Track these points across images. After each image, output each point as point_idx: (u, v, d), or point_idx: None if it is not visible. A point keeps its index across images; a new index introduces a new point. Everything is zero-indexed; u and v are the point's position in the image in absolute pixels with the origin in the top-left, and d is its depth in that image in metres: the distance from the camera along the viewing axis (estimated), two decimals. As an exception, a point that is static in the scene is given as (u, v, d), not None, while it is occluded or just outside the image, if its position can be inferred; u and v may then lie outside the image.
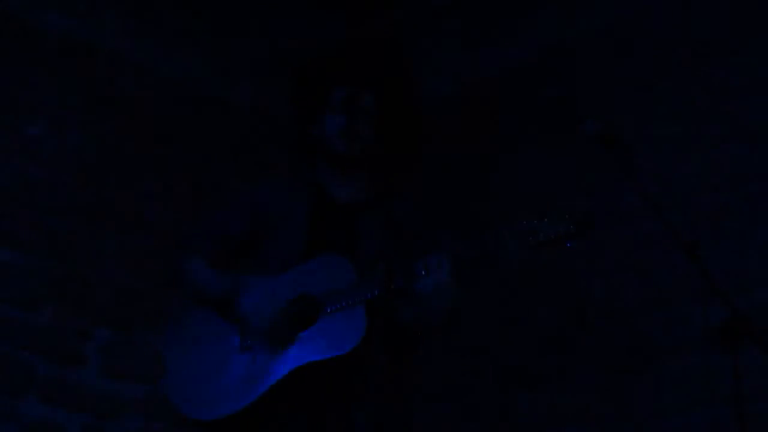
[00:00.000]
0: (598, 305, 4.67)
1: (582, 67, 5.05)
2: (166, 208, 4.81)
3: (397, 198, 3.07)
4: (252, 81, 5.42)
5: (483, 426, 4.90)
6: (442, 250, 2.74)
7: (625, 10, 4.98)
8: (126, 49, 4.98)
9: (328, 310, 2.75)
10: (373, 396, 2.79)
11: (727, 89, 4.51)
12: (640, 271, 4.55)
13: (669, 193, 4.37)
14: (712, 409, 4.04)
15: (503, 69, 5.37)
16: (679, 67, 4.69)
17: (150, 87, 5.03)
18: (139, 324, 4.60)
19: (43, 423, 4.26)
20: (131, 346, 4.57)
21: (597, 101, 4.88)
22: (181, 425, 2.79)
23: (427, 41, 5.70)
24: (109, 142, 4.79)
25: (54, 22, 4.74)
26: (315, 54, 3.14)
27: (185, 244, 3.03)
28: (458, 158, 5.41)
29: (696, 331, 4.20)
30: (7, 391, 4.21)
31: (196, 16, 5.31)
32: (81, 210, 4.61)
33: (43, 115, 4.61)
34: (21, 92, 4.57)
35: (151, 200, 4.83)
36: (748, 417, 2.72)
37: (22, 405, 4.23)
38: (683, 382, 4.27)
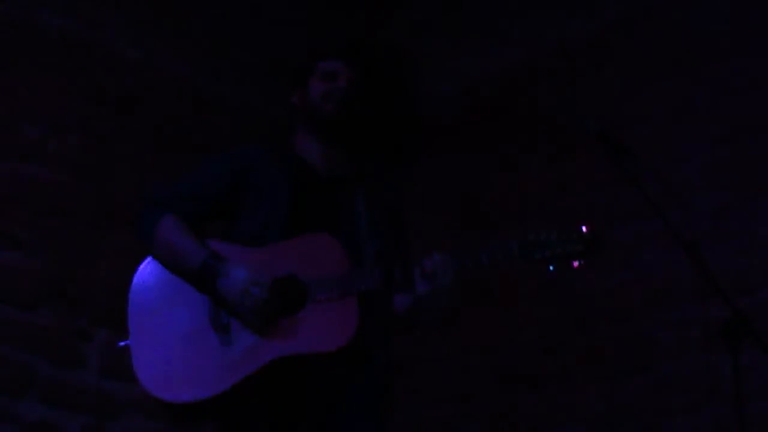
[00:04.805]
0: (599, 305, 4.67)
1: (582, 67, 5.05)
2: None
3: (390, 183, 3.03)
4: (252, 81, 5.42)
5: (483, 426, 4.90)
6: (447, 255, 2.67)
7: (625, 10, 4.98)
8: (126, 49, 4.98)
9: (318, 298, 2.64)
10: (371, 394, 2.72)
11: (727, 89, 4.51)
12: (640, 271, 4.55)
13: (669, 193, 4.37)
14: (712, 409, 4.05)
15: (503, 69, 5.37)
16: (679, 67, 4.69)
17: (150, 87, 5.02)
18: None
19: (43, 423, 4.26)
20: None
21: (597, 101, 4.88)
22: (182, 425, 2.76)
23: (427, 42, 5.71)
24: (109, 142, 4.79)
25: (54, 22, 4.74)
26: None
27: (160, 200, 2.87)
28: (458, 157, 5.41)
29: (696, 331, 4.20)
30: (7, 391, 4.20)
31: (196, 16, 5.31)
32: (81, 210, 4.61)
33: (43, 115, 4.61)
34: (21, 92, 4.57)
35: (151, 200, 4.83)
36: (748, 417, 2.72)
37: (22, 405, 4.22)
38: (684, 382, 4.27)
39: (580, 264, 2.66)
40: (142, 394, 2.64)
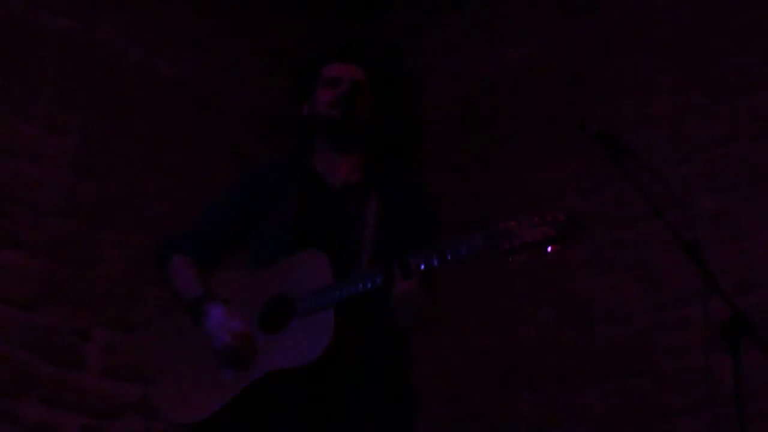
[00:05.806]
0: (599, 305, 4.67)
1: (582, 67, 5.05)
2: (166, 208, 4.81)
3: (415, 185, 3.01)
4: (252, 81, 5.42)
5: (483, 426, 4.90)
6: (408, 257, 2.53)
7: (625, 11, 4.98)
8: (126, 49, 4.98)
9: (303, 313, 2.64)
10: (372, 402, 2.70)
11: (727, 89, 4.51)
12: (640, 271, 4.55)
13: (669, 193, 4.37)
14: (712, 409, 4.04)
15: (503, 69, 5.37)
16: (679, 67, 4.69)
17: (150, 87, 5.02)
18: (139, 324, 4.60)
19: (43, 423, 4.25)
20: (131, 347, 4.57)
21: (597, 101, 4.88)
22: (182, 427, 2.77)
23: (427, 42, 5.71)
24: (109, 142, 4.79)
25: (54, 22, 4.74)
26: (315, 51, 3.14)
27: (170, 243, 2.99)
28: (458, 157, 5.41)
29: (696, 331, 4.20)
30: (7, 391, 4.20)
31: (196, 16, 5.31)
32: (81, 210, 4.61)
33: (43, 115, 4.61)
34: (21, 92, 4.57)
35: (151, 200, 4.83)
36: (748, 417, 2.72)
37: (22, 405, 4.22)
38: (684, 382, 4.27)
39: (555, 249, 2.45)
40: (142, 394, 2.68)
